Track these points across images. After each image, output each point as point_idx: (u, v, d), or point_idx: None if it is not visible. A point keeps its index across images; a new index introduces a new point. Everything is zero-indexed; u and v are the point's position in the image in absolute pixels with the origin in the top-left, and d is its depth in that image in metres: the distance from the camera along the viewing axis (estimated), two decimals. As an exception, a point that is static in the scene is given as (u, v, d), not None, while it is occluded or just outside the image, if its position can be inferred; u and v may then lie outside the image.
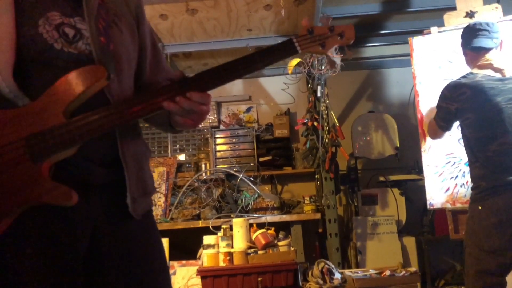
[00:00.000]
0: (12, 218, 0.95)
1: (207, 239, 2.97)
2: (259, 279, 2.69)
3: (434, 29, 2.91)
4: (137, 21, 1.20)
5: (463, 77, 2.22)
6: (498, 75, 2.17)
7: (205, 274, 2.74)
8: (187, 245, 3.42)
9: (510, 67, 2.21)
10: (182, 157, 4.15)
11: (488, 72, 2.18)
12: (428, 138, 2.74)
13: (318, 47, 1.05)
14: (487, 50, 2.21)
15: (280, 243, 2.90)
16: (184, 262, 3.28)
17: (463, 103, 2.14)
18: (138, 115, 1.02)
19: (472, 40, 2.23)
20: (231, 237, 2.93)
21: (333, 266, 2.90)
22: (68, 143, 0.97)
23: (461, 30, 2.35)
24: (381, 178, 3.86)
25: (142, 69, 1.21)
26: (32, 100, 0.98)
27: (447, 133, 2.42)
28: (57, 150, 0.97)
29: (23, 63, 0.98)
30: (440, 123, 2.33)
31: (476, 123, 2.11)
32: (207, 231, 3.18)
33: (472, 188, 2.17)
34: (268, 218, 3.36)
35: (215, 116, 4.24)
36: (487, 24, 2.23)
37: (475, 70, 2.22)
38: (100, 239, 1.04)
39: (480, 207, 2.06)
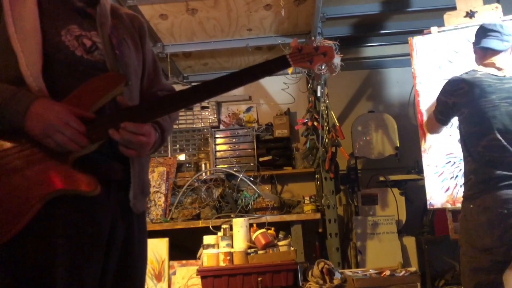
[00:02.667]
0: (39, 207, 1.03)
1: (207, 239, 2.97)
2: (259, 279, 2.69)
3: (434, 29, 2.91)
4: (141, 40, 1.37)
5: (465, 73, 2.25)
6: (499, 74, 2.18)
7: (205, 274, 2.74)
8: (187, 245, 3.43)
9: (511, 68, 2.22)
10: (182, 157, 4.14)
11: (490, 70, 2.20)
12: (428, 137, 2.74)
13: (307, 63, 1.25)
14: (495, 51, 2.21)
15: (280, 243, 2.90)
16: (184, 262, 3.27)
17: (459, 98, 2.18)
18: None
19: (481, 40, 2.25)
20: (231, 237, 2.93)
21: (333, 266, 2.90)
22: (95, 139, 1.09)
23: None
24: (381, 178, 3.86)
25: (142, 81, 1.37)
26: (57, 98, 1.09)
27: (446, 132, 2.43)
28: None
29: (50, 66, 1.10)
30: (438, 116, 2.37)
31: (470, 118, 2.15)
32: (207, 231, 3.17)
33: (464, 184, 2.21)
34: (268, 218, 3.35)
35: (215, 116, 4.23)
36: (501, 26, 2.25)
37: (479, 68, 2.25)
38: (115, 231, 1.16)
39: (471, 206, 2.09)
